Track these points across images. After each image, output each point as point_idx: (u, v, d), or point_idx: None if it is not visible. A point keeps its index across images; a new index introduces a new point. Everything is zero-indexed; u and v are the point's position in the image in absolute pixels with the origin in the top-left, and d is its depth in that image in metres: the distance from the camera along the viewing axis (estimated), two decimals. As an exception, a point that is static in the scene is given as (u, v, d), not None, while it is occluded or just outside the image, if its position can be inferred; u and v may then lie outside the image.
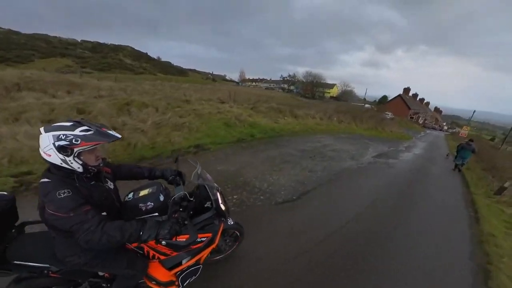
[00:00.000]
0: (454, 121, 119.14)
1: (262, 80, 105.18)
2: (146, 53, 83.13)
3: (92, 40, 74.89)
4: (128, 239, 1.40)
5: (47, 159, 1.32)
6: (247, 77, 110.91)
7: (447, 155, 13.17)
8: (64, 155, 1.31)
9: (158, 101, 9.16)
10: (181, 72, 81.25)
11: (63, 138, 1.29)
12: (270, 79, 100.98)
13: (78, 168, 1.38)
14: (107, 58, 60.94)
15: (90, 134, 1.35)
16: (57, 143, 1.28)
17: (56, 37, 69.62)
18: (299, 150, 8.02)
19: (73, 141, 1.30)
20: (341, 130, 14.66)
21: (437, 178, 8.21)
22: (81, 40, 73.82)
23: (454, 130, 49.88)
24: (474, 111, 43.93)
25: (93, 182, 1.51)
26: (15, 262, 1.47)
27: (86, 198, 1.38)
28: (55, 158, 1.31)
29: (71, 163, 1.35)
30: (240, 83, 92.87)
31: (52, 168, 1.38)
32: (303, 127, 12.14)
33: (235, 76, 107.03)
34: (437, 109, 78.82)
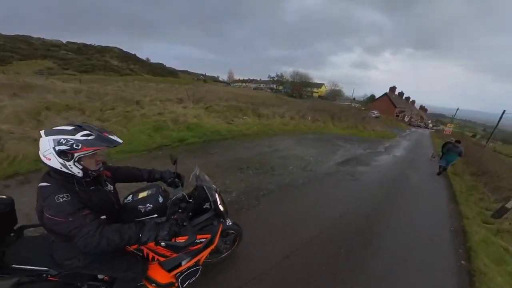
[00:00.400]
0: (439, 119, 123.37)
1: (252, 81, 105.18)
2: (135, 55, 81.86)
3: (78, 42, 73.08)
4: (128, 242, 1.40)
5: (46, 162, 1.32)
6: (238, 77, 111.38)
7: (432, 156, 12.14)
8: (64, 159, 1.30)
9: (91, 102, 8.35)
10: (171, 73, 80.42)
11: (63, 142, 1.28)
12: (260, 79, 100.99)
13: (78, 173, 1.37)
14: (91, 60, 59.48)
15: (91, 139, 1.34)
16: (57, 148, 1.27)
17: (39, 38, 67.38)
18: (232, 158, 6.32)
19: (74, 146, 1.29)
20: (312, 130, 13.19)
21: (416, 193, 6.41)
22: (66, 42, 71.87)
23: (438, 128, 51.66)
24: (458, 109, 45.75)
25: (93, 187, 1.51)
26: (14, 266, 1.45)
27: (85, 202, 1.38)
28: (55, 162, 1.30)
29: (71, 167, 1.34)
30: (230, 84, 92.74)
31: (52, 172, 1.37)
32: (263, 127, 10.65)
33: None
34: (422, 108, 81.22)
